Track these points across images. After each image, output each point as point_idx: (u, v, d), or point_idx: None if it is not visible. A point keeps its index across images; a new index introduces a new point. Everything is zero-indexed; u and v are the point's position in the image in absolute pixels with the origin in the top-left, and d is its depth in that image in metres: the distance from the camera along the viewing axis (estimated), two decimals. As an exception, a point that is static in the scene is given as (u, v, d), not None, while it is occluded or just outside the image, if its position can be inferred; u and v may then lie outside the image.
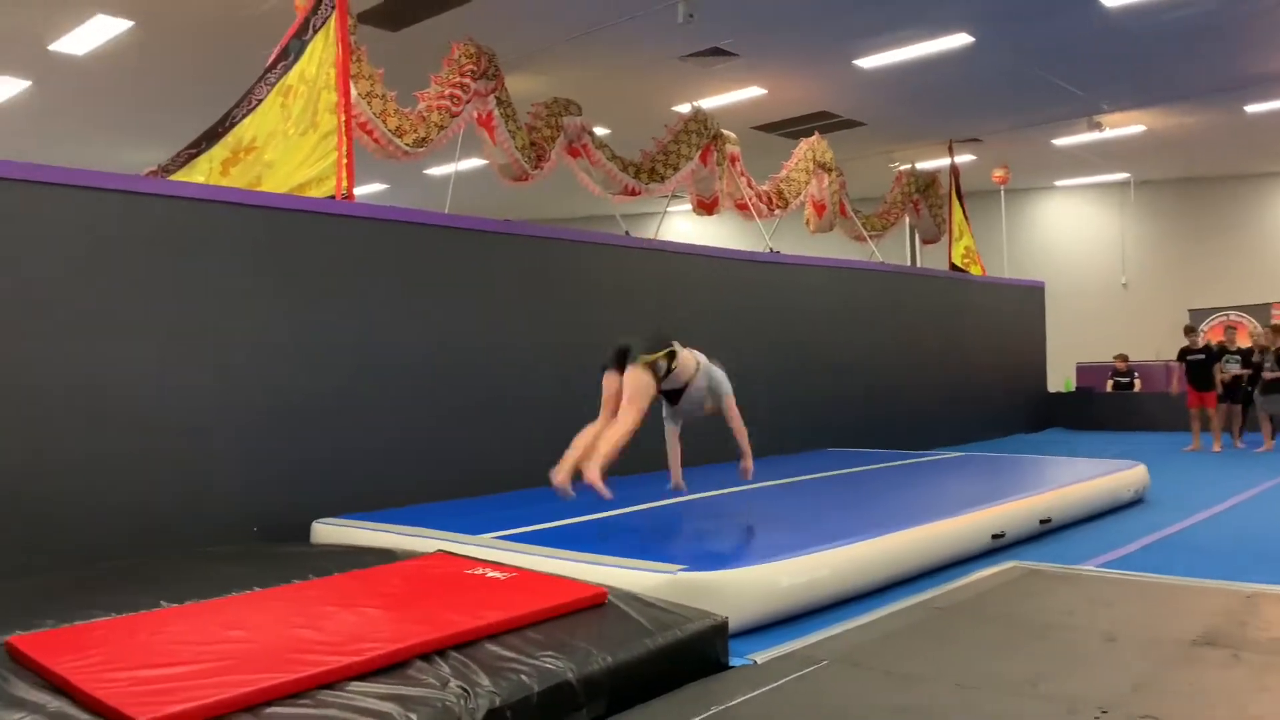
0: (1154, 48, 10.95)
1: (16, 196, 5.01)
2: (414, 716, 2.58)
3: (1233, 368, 11.48)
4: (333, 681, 2.79)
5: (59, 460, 5.04)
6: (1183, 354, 11.70)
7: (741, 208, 10.55)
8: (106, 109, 12.20)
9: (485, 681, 2.81)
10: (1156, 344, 16.93)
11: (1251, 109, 13.48)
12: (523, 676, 2.88)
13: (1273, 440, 11.29)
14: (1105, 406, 14.76)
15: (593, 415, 7.69)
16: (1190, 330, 12.11)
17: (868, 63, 11.21)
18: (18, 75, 10.83)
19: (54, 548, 4.92)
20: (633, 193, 9.37)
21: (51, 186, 5.11)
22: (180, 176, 6.45)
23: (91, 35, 9.64)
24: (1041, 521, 6.11)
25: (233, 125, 6.67)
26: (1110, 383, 15.29)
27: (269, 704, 2.64)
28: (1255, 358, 11.34)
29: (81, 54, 10.12)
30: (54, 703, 2.69)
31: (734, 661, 3.50)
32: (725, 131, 10.28)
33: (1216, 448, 11.33)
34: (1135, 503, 7.41)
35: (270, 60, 6.81)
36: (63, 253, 5.15)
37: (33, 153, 11.36)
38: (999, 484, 7.02)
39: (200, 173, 6.52)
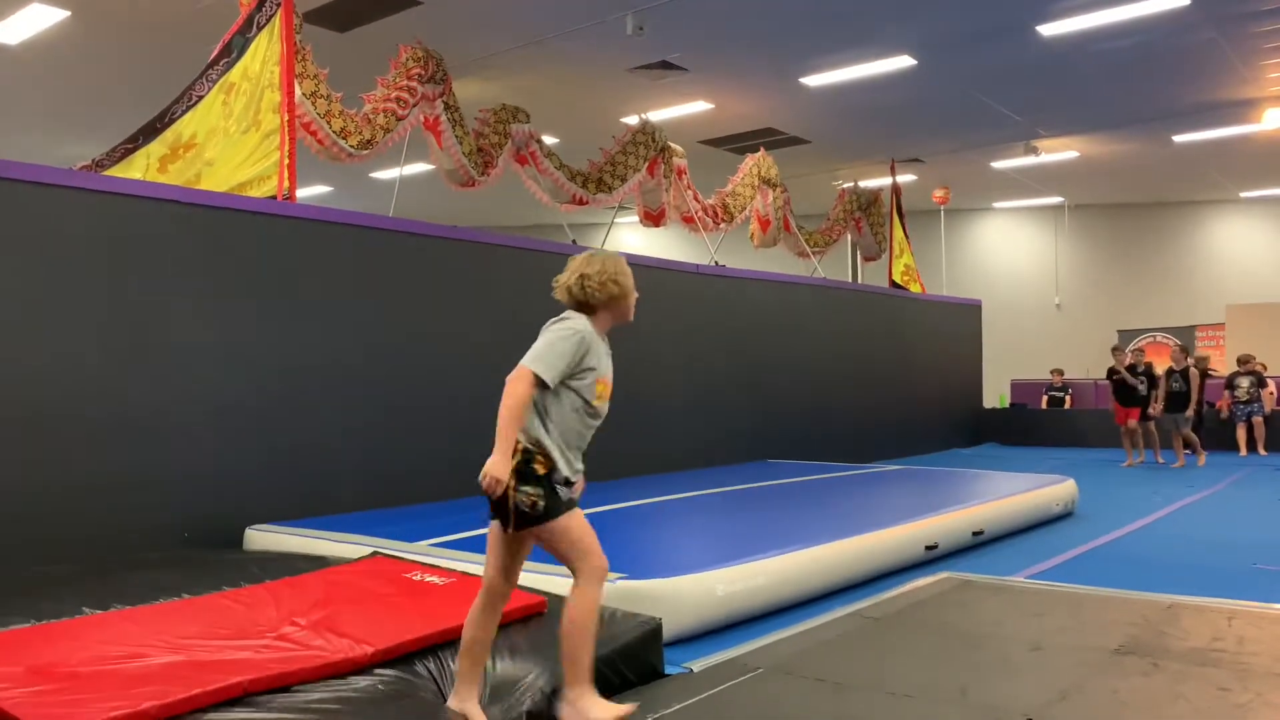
0: (1088, 76, 11.29)
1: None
2: (345, 726, 2.54)
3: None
4: (259, 692, 2.74)
5: (-21, 460, 4.87)
6: (1110, 373, 12.06)
7: (687, 221, 10.62)
8: (40, 101, 11.86)
9: (418, 691, 2.78)
10: (1087, 363, 17.44)
11: (1179, 139, 13.97)
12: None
13: (1185, 457, 11.71)
14: (1037, 422, 15.14)
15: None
16: (1117, 349, 12.44)
17: (813, 81, 11.38)
18: (-55, 63, 10.50)
19: (-28, 551, 4.76)
20: (580, 202, 9.38)
21: (-21, 178, 4.97)
22: (116, 172, 6.31)
23: (26, 24, 9.37)
24: (974, 533, 6.24)
25: (172, 121, 6.54)
26: (1045, 397, 15.74)
27: (187, 716, 2.56)
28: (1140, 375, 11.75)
29: (15, 43, 9.83)
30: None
31: (670, 669, 3.51)
32: (672, 145, 10.34)
33: (1129, 462, 11.77)
34: (1064, 516, 7.60)
35: (212, 56, 6.69)
36: (-11, 246, 4.99)
37: (-41, 143, 11.03)
38: (933, 497, 7.15)
39: (137, 169, 6.38)
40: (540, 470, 2.73)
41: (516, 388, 2.73)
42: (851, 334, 11.96)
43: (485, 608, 2.87)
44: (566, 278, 2.96)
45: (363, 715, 2.62)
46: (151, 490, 5.46)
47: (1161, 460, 11.96)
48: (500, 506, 2.73)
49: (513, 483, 2.69)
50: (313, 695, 2.75)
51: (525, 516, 2.70)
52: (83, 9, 9.08)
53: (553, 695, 2.98)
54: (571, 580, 2.83)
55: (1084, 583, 4.96)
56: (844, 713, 3.04)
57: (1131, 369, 11.79)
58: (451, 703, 2.83)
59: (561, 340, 2.82)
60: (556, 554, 2.82)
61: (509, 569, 2.89)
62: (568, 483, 2.80)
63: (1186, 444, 11.77)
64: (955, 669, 3.46)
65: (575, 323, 2.90)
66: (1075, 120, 13.24)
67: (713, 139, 13.76)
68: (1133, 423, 11.80)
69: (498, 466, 2.66)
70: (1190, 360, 11.84)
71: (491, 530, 2.88)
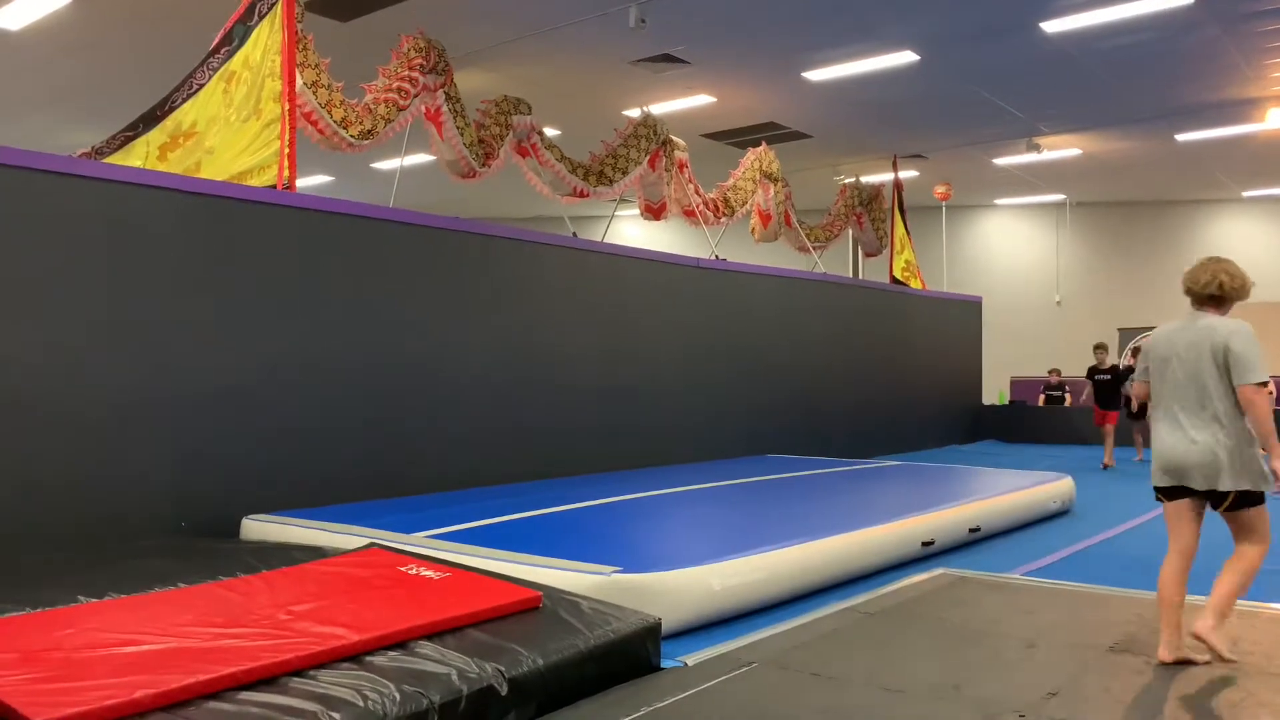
0: (1091, 74, 11.27)
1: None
2: (337, 717, 2.53)
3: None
4: (253, 682, 2.74)
5: (-23, 447, 4.87)
6: (1091, 372, 11.98)
7: (688, 214, 10.61)
8: (41, 87, 11.84)
9: (412, 683, 2.78)
10: (1087, 361, 17.41)
11: (1181, 137, 13.95)
12: (452, 679, 2.86)
13: (1143, 454, 11.65)
14: (1036, 420, 15.13)
15: (531, 416, 7.72)
16: (1099, 348, 12.27)
17: (816, 75, 11.36)
18: (-54, 48, 10.48)
19: (-31, 537, 4.76)
20: (581, 195, 9.36)
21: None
22: (116, 159, 6.30)
23: (28, 9, 9.35)
24: (971, 530, 6.24)
25: (172, 109, 6.53)
26: (1043, 396, 15.72)
27: (181, 705, 2.55)
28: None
29: (17, 28, 9.82)
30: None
31: (665, 663, 3.51)
32: (674, 138, 10.32)
33: (1108, 462, 11.34)
34: (1061, 513, 7.60)
35: (213, 44, 6.68)
36: (-12, 233, 4.98)
37: (-40, 129, 11.00)
38: (930, 493, 7.16)
39: (137, 156, 6.37)
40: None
41: (1264, 400, 3.38)
42: (852, 330, 11.95)
43: (1185, 570, 3.48)
44: (1217, 277, 3.78)
45: (354, 704, 2.62)
46: (149, 479, 5.46)
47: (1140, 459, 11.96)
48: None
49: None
50: (305, 684, 2.75)
51: (1254, 497, 3.40)
52: (84, -5, 9.07)
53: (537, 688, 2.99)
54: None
55: (1080, 580, 4.96)
56: (838, 708, 3.04)
57: (1114, 369, 11.70)
58: (1163, 654, 3.41)
59: (1255, 344, 3.51)
60: (1251, 525, 3.44)
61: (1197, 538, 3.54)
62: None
63: None
64: (950, 665, 3.46)
65: (1240, 324, 3.60)
66: (1078, 117, 13.22)
67: (715, 132, 13.74)
68: (1109, 426, 11.65)
69: None
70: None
71: (1181, 510, 3.51)
